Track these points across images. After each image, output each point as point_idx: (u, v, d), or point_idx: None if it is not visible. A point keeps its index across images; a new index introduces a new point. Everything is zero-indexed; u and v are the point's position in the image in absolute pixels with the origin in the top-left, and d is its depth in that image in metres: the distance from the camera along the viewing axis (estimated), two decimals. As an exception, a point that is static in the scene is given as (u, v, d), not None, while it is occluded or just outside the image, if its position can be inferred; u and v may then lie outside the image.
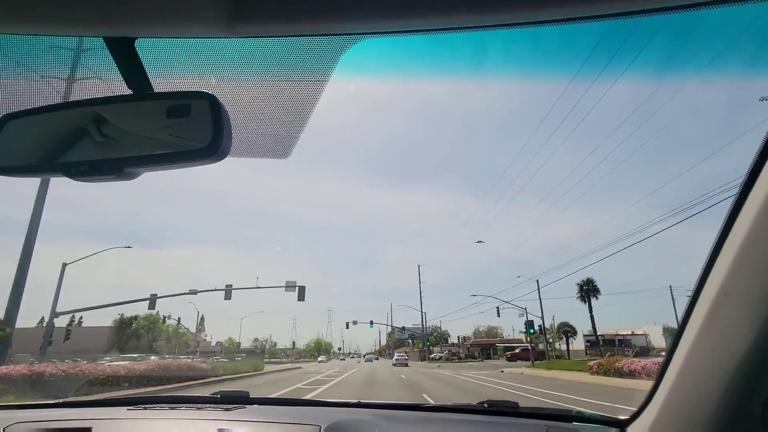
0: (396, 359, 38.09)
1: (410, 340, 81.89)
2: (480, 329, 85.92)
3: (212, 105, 0.72)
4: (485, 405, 1.62)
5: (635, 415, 1.32)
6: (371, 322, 53.34)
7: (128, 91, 0.78)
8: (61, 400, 1.65)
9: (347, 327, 54.39)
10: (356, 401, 1.66)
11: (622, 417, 1.41)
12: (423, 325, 63.24)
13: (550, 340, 54.77)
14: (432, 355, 61.77)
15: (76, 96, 0.80)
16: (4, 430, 1.19)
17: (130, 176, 0.75)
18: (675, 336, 1.10)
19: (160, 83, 0.79)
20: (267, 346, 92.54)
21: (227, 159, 0.77)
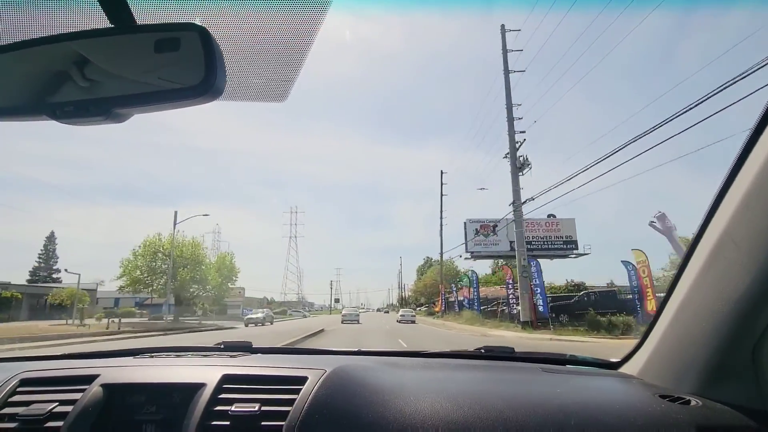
0: (402, 315, 35.87)
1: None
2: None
3: (203, 38, 0.67)
4: (482, 351, 1.67)
5: (627, 357, 1.37)
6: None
7: (110, 26, 0.72)
8: (67, 353, 1.68)
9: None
10: (357, 350, 1.71)
11: (614, 359, 1.46)
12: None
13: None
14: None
15: (52, 30, 0.73)
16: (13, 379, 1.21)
17: (120, 118, 0.71)
18: (672, 279, 1.12)
19: (144, 16, 0.73)
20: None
21: (228, 105, 0.73)
